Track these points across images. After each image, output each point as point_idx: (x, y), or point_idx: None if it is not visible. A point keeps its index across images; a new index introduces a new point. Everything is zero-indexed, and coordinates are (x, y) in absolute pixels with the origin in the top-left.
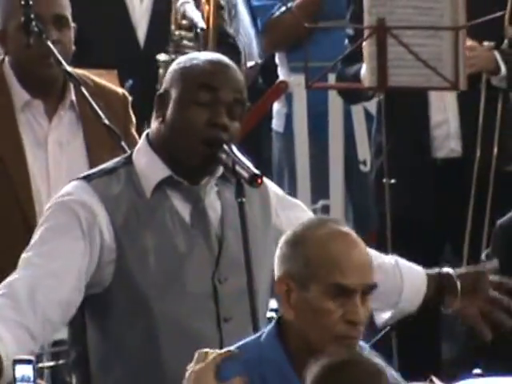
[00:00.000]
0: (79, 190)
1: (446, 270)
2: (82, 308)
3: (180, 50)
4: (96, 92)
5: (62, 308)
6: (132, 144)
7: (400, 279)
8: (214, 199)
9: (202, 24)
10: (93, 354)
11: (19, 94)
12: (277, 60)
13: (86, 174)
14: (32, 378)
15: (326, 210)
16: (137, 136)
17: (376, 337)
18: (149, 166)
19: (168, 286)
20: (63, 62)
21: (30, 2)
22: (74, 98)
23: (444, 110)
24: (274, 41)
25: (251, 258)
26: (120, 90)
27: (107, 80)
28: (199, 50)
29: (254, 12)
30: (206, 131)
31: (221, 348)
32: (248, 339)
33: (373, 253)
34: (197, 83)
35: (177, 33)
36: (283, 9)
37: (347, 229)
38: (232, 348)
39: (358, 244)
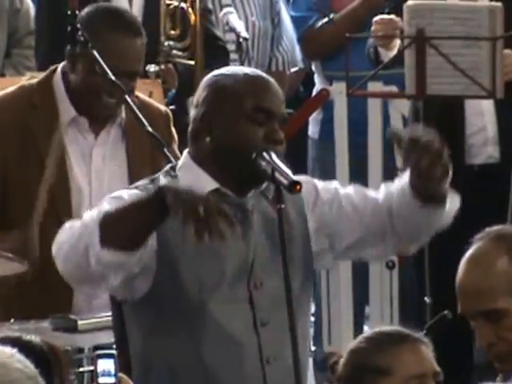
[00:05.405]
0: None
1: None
2: (122, 317)
3: (170, 60)
4: (140, 108)
5: None
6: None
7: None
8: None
9: (244, 34)
10: (134, 359)
11: (67, 110)
12: (313, 68)
13: (133, 185)
14: (113, 372)
15: None
16: (178, 153)
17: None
18: (196, 180)
19: (209, 292)
20: (109, 72)
21: (77, 12)
22: (124, 116)
23: (481, 117)
24: (311, 51)
25: (288, 262)
26: (163, 108)
27: (151, 88)
28: (241, 61)
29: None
30: (263, 146)
31: (260, 353)
32: None
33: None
34: (251, 107)
35: (166, 43)
36: (325, 20)
37: None
38: None
39: None
